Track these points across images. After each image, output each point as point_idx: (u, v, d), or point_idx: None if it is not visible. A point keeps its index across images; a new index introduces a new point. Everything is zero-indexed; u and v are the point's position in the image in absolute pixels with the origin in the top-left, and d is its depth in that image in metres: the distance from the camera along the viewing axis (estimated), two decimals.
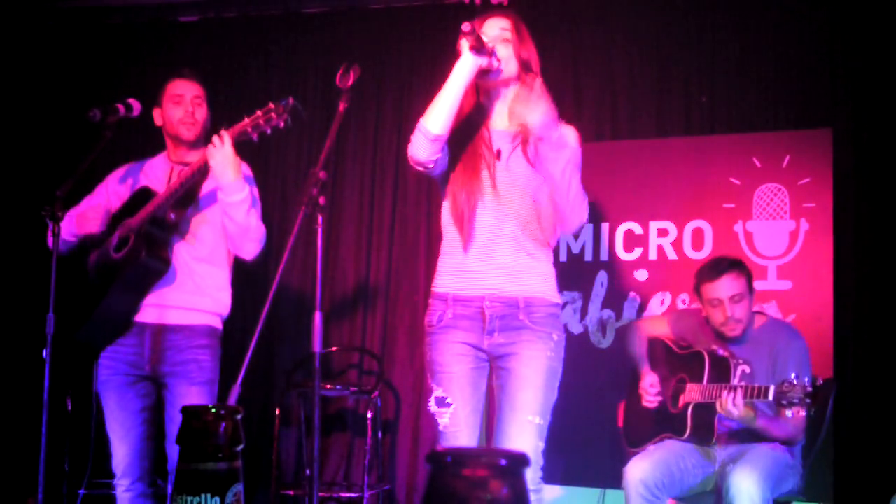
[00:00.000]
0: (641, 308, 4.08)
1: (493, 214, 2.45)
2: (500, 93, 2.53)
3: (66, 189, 2.79)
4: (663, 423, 3.23)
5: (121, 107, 2.96)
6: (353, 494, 4.51)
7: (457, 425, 2.45)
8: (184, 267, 2.92)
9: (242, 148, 2.83)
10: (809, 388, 2.76)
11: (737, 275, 3.18)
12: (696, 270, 3.33)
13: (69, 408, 4.35)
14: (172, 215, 2.88)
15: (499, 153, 2.48)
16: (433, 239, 4.65)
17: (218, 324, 3.01)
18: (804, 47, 4.23)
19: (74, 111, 4.00)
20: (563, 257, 4.20)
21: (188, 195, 2.90)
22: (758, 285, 3.51)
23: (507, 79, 2.48)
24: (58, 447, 4.13)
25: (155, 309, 2.91)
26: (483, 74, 2.43)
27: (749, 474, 2.82)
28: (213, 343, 2.96)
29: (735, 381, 3.14)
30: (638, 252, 4.14)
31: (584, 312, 4.17)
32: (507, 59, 2.44)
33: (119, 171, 3.13)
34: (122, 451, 2.89)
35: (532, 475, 2.37)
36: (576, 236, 4.20)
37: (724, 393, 2.96)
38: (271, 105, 2.71)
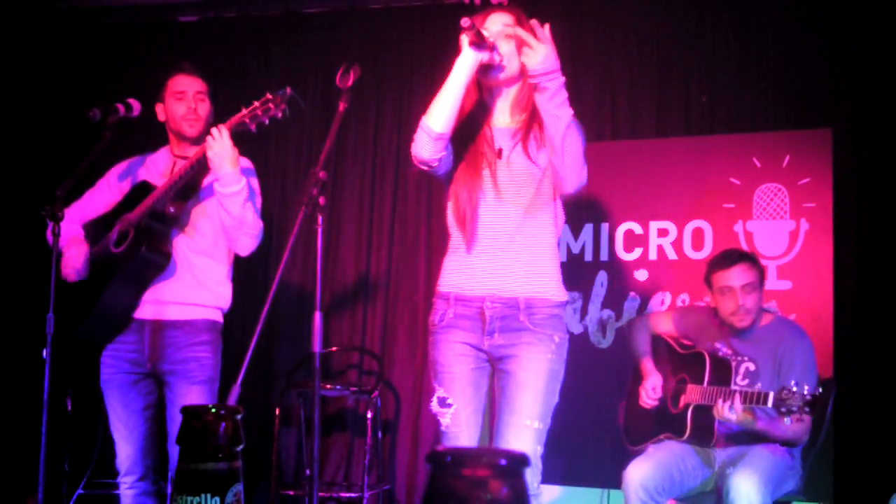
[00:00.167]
0: (641, 308, 4.08)
1: (495, 213, 2.43)
2: (502, 90, 2.49)
3: (66, 189, 2.79)
4: (663, 423, 3.23)
5: (121, 107, 2.95)
6: (353, 494, 4.51)
7: (458, 426, 2.44)
8: (183, 260, 2.92)
9: (242, 148, 2.83)
10: (808, 397, 2.75)
11: (749, 266, 3.19)
12: (708, 261, 3.33)
13: (69, 407, 4.35)
14: (172, 208, 2.88)
15: (500, 151, 2.45)
16: (433, 239, 4.66)
17: (218, 317, 3.00)
18: (804, 47, 4.23)
19: (74, 111, 4.00)
20: (563, 257, 4.19)
21: (188, 188, 2.89)
22: None
23: (510, 76, 2.43)
24: (58, 447, 4.13)
25: (154, 305, 2.90)
26: (484, 71, 2.39)
27: (749, 476, 2.82)
28: (213, 338, 2.95)
29: (738, 379, 3.14)
30: (638, 252, 4.14)
31: (584, 312, 4.17)
32: (509, 55, 2.39)
33: (121, 166, 3.13)
34: (126, 450, 2.90)
35: (530, 479, 2.35)
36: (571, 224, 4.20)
37: (724, 396, 2.96)
38: (269, 95, 2.69)
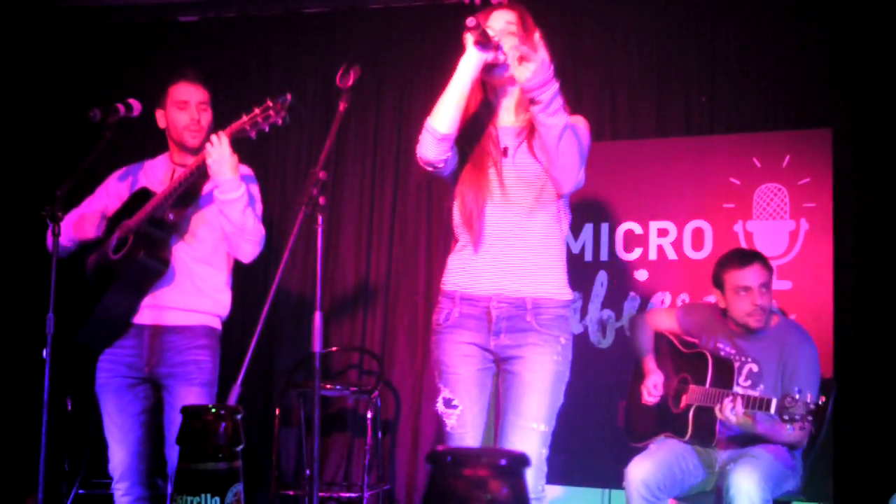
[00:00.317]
0: (641, 308, 4.07)
1: (502, 212, 2.41)
2: (507, 89, 2.48)
3: (66, 189, 2.78)
4: (665, 423, 3.23)
5: (121, 107, 2.94)
6: (353, 494, 4.51)
7: (463, 427, 2.43)
8: (183, 268, 2.91)
9: (242, 149, 2.83)
10: (812, 406, 2.73)
11: (764, 265, 3.17)
12: (718, 260, 3.28)
13: (69, 408, 4.35)
14: (171, 215, 2.87)
15: (505, 150, 2.44)
16: (433, 239, 4.66)
17: (217, 324, 3.00)
18: (804, 47, 4.23)
19: (74, 111, 4.00)
20: None
21: (188, 195, 2.89)
22: None
23: (514, 74, 2.39)
24: (58, 447, 4.13)
25: (153, 310, 2.90)
26: (489, 70, 2.38)
27: (749, 475, 2.82)
28: (212, 343, 2.95)
29: (741, 380, 3.13)
30: (638, 252, 4.14)
31: (584, 312, 4.17)
32: (513, 53, 2.35)
33: (119, 173, 3.12)
34: (120, 455, 2.88)
35: (534, 482, 2.35)
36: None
37: (726, 400, 2.95)
38: (269, 102, 2.68)
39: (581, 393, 3.82)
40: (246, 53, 5.01)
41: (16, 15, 5.14)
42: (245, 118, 2.73)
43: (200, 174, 2.82)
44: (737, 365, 3.14)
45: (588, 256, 4.20)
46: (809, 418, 2.74)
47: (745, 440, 3.10)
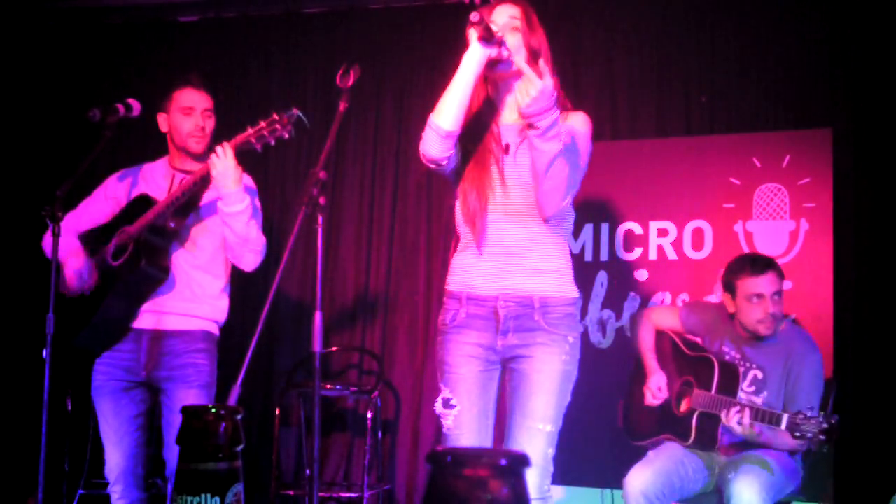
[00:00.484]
0: (641, 308, 4.07)
1: (504, 211, 2.40)
2: (510, 85, 2.44)
3: (66, 189, 2.78)
4: (666, 424, 3.21)
5: (121, 107, 2.94)
6: (353, 494, 4.51)
7: (460, 428, 2.41)
8: (182, 275, 2.93)
9: (244, 154, 2.82)
10: (825, 425, 2.69)
11: (778, 273, 3.13)
12: (729, 264, 3.23)
13: (69, 408, 4.35)
14: (172, 224, 2.88)
15: (507, 147, 2.42)
16: (433, 239, 4.66)
17: (215, 329, 3.01)
18: (804, 47, 4.23)
19: (74, 111, 4.00)
20: None
21: (189, 203, 2.89)
22: None
23: (517, 70, 2.35)
24: (58, 447, 4.13)
25: (152, 315, 2.91)
26: (492, 65, 2.35)
27: (751, 485, 2.79)
28: (209, 347, 2.96)
29: (745, 386, 3.09)
30: (638, 252, 4.13)
31: (584, 312, 4.16)
32: (516, 49, 2.35)
33: (117, 175, 3.12)
34: (116, 458, 2.89)
35: (540, 482, 2.34)
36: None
37: (733, 410, 2.91)
38: (275, 115, 2.68)
39: (581, 393, 3.82)
40: (246, 53, 5.01)
41: (16, 15, 5.14)
42: (251, 130, 2.72)
43: (203, 184, 2.83)
44: (741, 370, 3.10)
45: (588, 256, 4.20)
46: (822, 437, 2.69)
47: (746, 445, 3.07)
